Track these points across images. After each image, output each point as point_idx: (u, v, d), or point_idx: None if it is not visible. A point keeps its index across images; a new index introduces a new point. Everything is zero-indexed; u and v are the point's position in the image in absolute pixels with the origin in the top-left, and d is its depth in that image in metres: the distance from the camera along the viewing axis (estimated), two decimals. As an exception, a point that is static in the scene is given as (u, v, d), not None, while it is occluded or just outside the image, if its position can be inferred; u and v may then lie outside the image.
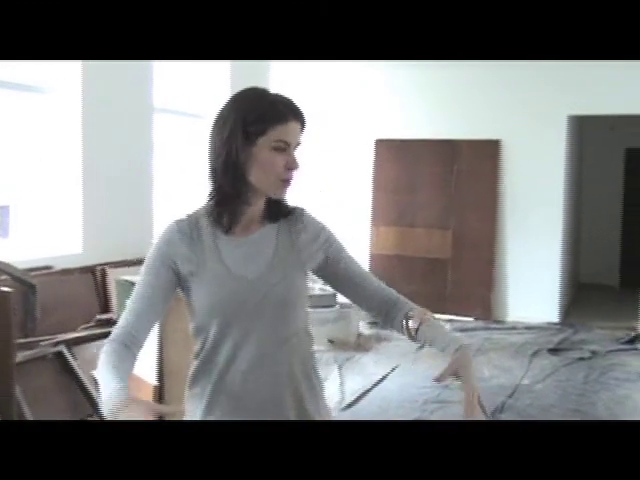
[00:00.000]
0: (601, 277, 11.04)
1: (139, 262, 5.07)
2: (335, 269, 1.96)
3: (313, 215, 1.98)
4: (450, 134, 8.71)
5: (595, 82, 8.15)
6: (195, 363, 1.86)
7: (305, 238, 1.91)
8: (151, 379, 3.58)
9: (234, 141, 1.77)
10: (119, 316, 1.85)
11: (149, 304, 1.79)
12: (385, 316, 2.01)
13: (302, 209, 1.96)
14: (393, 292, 2.03)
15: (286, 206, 1.92)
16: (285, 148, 1.79)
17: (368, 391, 5.81)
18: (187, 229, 1.83)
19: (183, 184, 6.36)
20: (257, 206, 1.86)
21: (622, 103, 8.17)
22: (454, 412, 5.28)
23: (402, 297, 2.02)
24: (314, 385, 1.92)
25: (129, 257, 5.01)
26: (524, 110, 8.45)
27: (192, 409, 1.86)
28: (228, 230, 1.83)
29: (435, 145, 8.79)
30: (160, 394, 3.53)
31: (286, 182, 1.82)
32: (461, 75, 8.56)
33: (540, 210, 8.49)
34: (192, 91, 6.58)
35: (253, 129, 1.77)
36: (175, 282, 1.82)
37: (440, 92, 8.78)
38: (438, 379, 1.81)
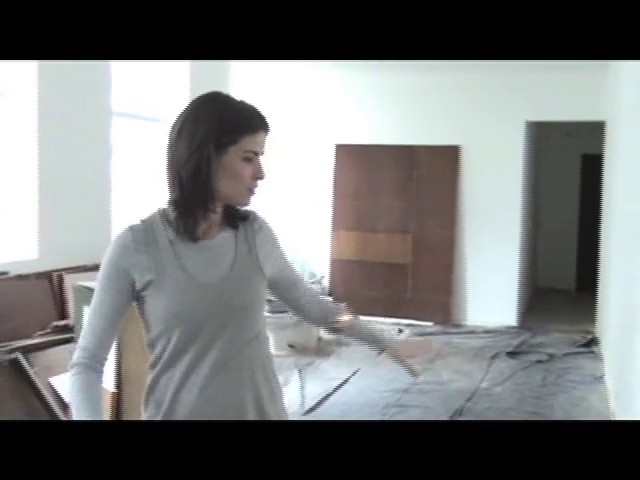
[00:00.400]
0: (558, 281, 11.20)
1: (97, 268, 4.98)
2: (279, 275, 2.00)
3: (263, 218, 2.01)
4: (410, 139, 8.77)
5: (552, 89, 8.29)
6: (153, 372, 1.82)
7: (260, 240, 1.92)
8: (109, 386, 3.52)
9: (205, 150, 1.75)
10: (76, 322, 1.85)
11: (108, 320, 1.78)
12: (314, 320, 2.18)
13: (254, 212, 1.96)
14: (324, 297, 2.21)
15: (242, 210, 1.92)
16: (253, 158, 1.80)
17: (329, 395, 5.82)
18: (142, 236, 1.79)
19: (142, 188, 6.30)
20: (218, 212, 1.85)
21: (578, 110, 8.32)
22: (414, 415, 5.32)
23: (330, 300, 2.24)
24: (273, 388, 1.92)
25: (86, 262, 4.94)
26: (483, 116, 8.55)
27: (151, 417, 1.82)
28: (195, 239, 1.81)
29: (395, 150, 8.85)
30: (119, 401, 3.48)
31: (252, 191, 1.83)
32: (420, 81, 8.63)
33: (499, 215, 8.59)
34: (151, 94, 6.52)
35: (226, 139, 1.76)
36: (132, 293, 1.79)
37: (400, 98, 8.84)
38: (415, 376, 2.24)
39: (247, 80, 7.81)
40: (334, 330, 2.17)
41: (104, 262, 1.80)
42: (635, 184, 4.64)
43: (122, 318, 1.81)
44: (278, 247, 2.01)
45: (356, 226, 9.01)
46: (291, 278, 2.06)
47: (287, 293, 2.06)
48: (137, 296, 1.79)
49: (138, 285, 1.77)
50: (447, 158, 8.71)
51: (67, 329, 4.53)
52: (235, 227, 1.89)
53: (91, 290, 3.59)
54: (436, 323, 8.58)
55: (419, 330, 8.27)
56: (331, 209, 9.12)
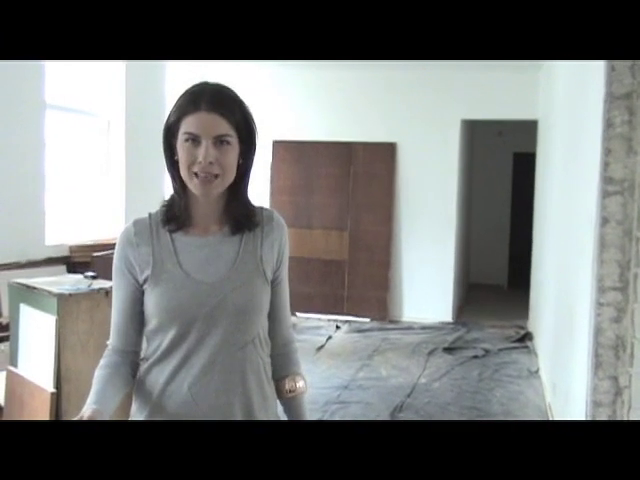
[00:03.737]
0: (490, 277, 11.39)
1: (31, 264, 4.80)
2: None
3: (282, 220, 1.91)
4: (347, 136, 8.78)
5: (486, 88, 8.41)
6: (146, 364, 1.81)
7: (269, 243, 1.85)
8: (47, 385, 3.40)
9: (164, 137, 1.78)
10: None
11: (127, 316, 1.80)
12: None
13: (271, 211, 1.90)
14: (294, 353, 1.99)
15: (255, 207, 1.86)
16: (196, 139, 1.71)
17: (268, 394, 5.77)
18: (146, 229, 1.79)
19: (78, 183, 6.11)
20: (209, 205, 1.79)
21: (511, 109, 8.46)
22: (354, 412, 5.31)
23: (295, 355, 1.99)
24: (266, 394, 1.86)
25: (20, 259, 4.77)
26: (419, 114, 8.61)
27: (139, 409, 1.82)
28: (176, 229, 1.79)
29: (332, 147, 8.85)
30: (58, 401, 3.36)
31: (198, 176, 1.72)
32: (357, 78, 8.65)
33: (435, 212, 8.68)
34: (86, 88, 6.33)
35: (171, 122, 1.75)
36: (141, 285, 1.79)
37: (337, 95, 8.84)
38: None
39: (182, 76, 7.68)
40: (276, 388, 1.93)
41: (114, 258, 1.81)
42: (568, 180, 4.73)
43: (141, 310, 1.80)
44: (282, 261, 1.90)
45: (293, 223, 8.97)
46: (275, 305, 1.90)
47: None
48: (142, 287, 1.78)
49: (140, 278, 1.77)
50: (383, 155, 8.75)
51: (1, 327, 4.37)
52: (243, 225, 1.83)
53: (28, 287, 3.44)
54: (373, 319, 8.63)
55: (356, 327, 8.29)
56: (268, 206, 9.05)
